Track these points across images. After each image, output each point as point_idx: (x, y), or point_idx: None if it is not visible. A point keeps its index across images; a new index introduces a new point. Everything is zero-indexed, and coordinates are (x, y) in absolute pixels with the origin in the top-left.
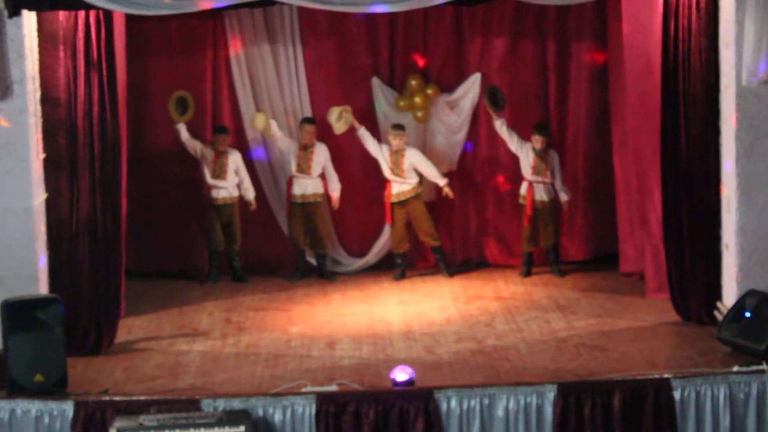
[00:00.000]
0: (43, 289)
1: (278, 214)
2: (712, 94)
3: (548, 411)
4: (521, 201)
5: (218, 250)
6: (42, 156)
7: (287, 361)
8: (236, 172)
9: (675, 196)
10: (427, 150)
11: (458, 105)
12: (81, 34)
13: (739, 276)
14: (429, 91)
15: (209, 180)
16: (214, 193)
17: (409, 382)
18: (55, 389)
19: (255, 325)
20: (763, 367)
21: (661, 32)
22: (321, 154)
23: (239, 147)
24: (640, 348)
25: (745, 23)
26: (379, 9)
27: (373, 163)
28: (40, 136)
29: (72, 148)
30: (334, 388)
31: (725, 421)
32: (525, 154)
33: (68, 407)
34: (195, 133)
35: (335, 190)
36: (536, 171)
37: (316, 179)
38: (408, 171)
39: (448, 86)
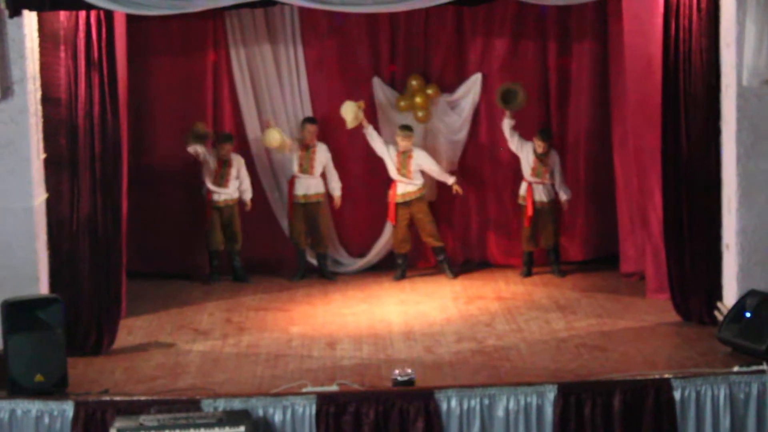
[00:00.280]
0: (43, 289)
1: (279, 214)
2: (712, 94)
3: (548, 411)
4: (521, 201)
5: (218, 250)
6: (43, 156)
7: (288, 361)
8: (237, 177)
9: (675, 196)
10: (427, 150)
11: (459, 105)
12: (82, 34)
13: (739, 276)
14: (430, 91)
15: (210, 186)
16: (215, 197)
17: (410, 383)
18: (56, 389)
19: (255, 325)
20: (764, 367)
21: (661, 32)
22: (322, 154)
23: (239, 147)
24: (640, 348)
25: (745, 23)
26: (381, 9)
27: (373, 163)
28: (40, 136)
29: (73, 148)
30: (334, 388)
31: (725, 422)
32: (525, 155)
33: (68, 407)
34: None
35: (336, 190)
36: (535, 173)
37: (318, 179)
38: (414, 172)
39: (449, 86)
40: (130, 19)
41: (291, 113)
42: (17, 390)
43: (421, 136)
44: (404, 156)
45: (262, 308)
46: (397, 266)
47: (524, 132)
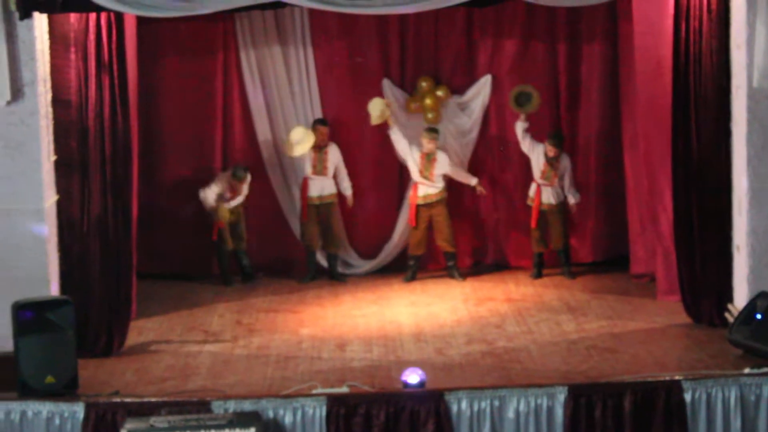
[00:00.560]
0: (54, 290)
1: (289, 216)
2: (723, 95)
3: (559, 413)
4: (529, 203)
5: (228, 251)
6: (53, 158)
7: (298, 363)
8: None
9: (686, 197)
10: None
11: (469, 107)
12: (92, 37)
13: (750, 278)
14: (439, 93)
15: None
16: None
17: (420, 384)
18: (66, 391)
19: (266, 327)
20: None
21: (672, 34)
22: (334, 155)
23: (249, 148)
24: (650, 350)
25: (756, 25)
26: (391, 10)
27: (384, 165)
28: (51, 138)
29: (83, 150)
30: (344, 389)
31: (736, 423)
32: (536, 157)
33: (79, 409)
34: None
35: (347, 189)
36: (545, 176)
37: (331, 179)
38: (437, 175)
39: (458, 88)
40: (141, 21)
41: (301, 115)
42: (28, 391)
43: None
44: (428, 158)
45: (272, 310)
46: (408, 267)
47: (534, 133)
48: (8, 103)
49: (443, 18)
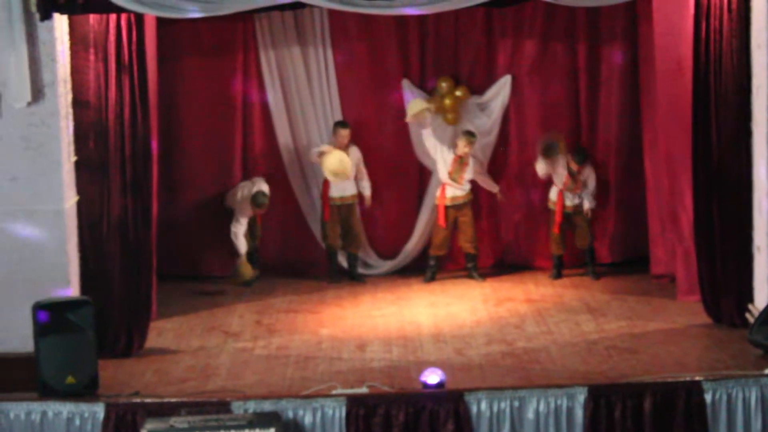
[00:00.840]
0: (74, 291)
1: (309, 217)
2: (743, 95)
3: (579, 413)
4: (551, 206)
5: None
6: (73, 159)
7: (317, 363)
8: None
9: (706, 197)
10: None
11: (488, 107)
12: (112, 37)
13: None
14: (459, 93)
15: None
16: None
17: (440, 385)
18: (86, 391)
19: (285, 327)
20: None
21: (692, 34)
22: (355, 156)
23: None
24: (671, 350)
25: None
26: (410, 11)
27: (403, 165)
28: (71, 138)
29: (103, 151)
30: (364, 390)
31: (757, 424)
32: (558, 172)
33: (99, 409)
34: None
35: (366, 189)
36: (566, 187)
37: (352, 180)
38: (466, 179)
39: (478, 88)
40: (160, 22)
41: (321, 115)
42: (48, 392)
43: (450, 138)
44: (461, 162)
45: (292, 310)
46: (428, 268)
47: (553, 121)
48: (29, 104)
49: (463, 18)
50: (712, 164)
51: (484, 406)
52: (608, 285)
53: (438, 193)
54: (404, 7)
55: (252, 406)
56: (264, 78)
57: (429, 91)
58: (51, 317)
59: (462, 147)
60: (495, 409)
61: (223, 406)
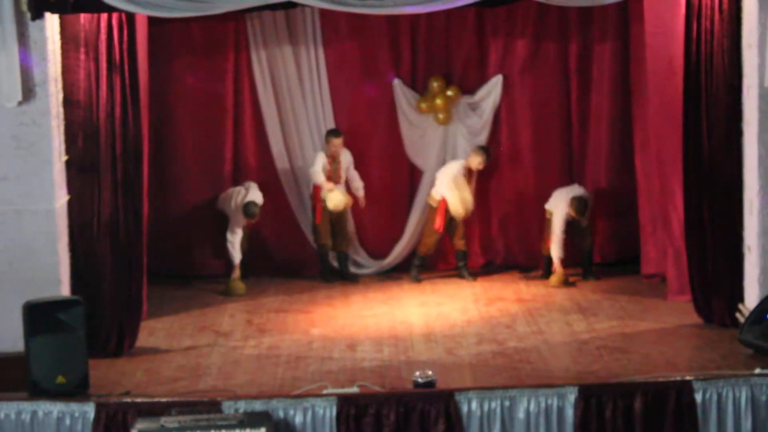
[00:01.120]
0: (65, 290)
1: (300, 217)
2: (734, 95)
3: (569, 413)
4: (548, 216)
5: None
6: (64, 158)
7: (308, 363)
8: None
9: (697, 197)
10: (447, 152)
11: (480, 107)
12: (103, 37)
13: (761, 278)
14: (450, 93)
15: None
16: None
17: (430, 384)
18: (77, 391)
19: (276, 327)
20: None
21: (683, 34)
22: (346, 159)
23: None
24: (661, 350)
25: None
26: (402, 10)
27: (394, 166)
28: (62, 138)
29: (94, 150)
30: (355, 389)
31: (747, 424)
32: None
33: (90, 409)
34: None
35: (359, 189)
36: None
37: (343, 185)
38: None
39: (469, 88)
40: (152, 21)
41: (312, 114)
42: (39, 391)
43: (441, 138)
44: (470, 176)
45: (282, 310)
46: (414, 267)
47: (546, 136)
48: (20, 103)
49: (454, 18)
50: (703, 164)
51: (474, 405)
52: (599, 285)
53: (438, 198)
54: (396, 7)
55: (243, 406)
56: (255, 77)
57: (420, 91)
58: (42, 317)
59: (476, 165)
60: (486, 408)
61: (213, 406)
